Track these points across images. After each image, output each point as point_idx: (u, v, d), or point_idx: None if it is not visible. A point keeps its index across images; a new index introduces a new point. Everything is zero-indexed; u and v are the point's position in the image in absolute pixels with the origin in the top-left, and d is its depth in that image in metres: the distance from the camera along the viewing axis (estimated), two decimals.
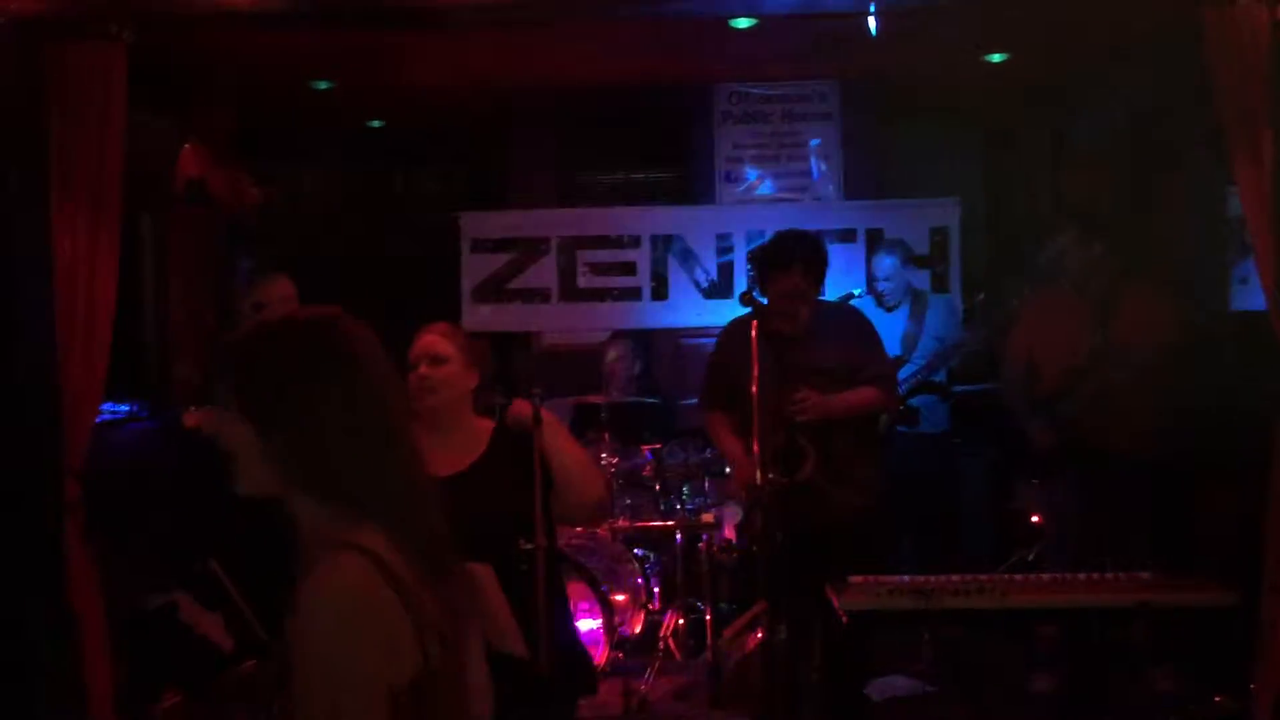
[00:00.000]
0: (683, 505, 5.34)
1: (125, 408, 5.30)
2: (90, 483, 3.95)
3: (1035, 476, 5.12)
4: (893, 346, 5.45)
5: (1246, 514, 3.90)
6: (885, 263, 5.56)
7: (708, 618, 5.12)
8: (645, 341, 6.49)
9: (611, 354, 5.93)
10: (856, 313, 4.40)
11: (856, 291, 5.99)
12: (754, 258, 4.18)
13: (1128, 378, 4.53)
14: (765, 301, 4.02)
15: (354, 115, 7.02)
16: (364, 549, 1.45)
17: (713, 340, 4.55)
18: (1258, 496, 3.72)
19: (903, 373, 5.46)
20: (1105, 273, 4.71)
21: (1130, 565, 3.67)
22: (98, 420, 4.11)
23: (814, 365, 3.99)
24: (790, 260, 3.96)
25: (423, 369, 2.91)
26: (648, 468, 5.40)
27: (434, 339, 2.97)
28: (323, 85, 6.17)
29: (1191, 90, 4.62)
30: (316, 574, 1.43)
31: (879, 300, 5.62)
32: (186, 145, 5.89)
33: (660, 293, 6.58)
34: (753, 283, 6.36)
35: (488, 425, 2.99)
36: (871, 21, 4.56)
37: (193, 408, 4.42)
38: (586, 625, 4.70)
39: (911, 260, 5.72)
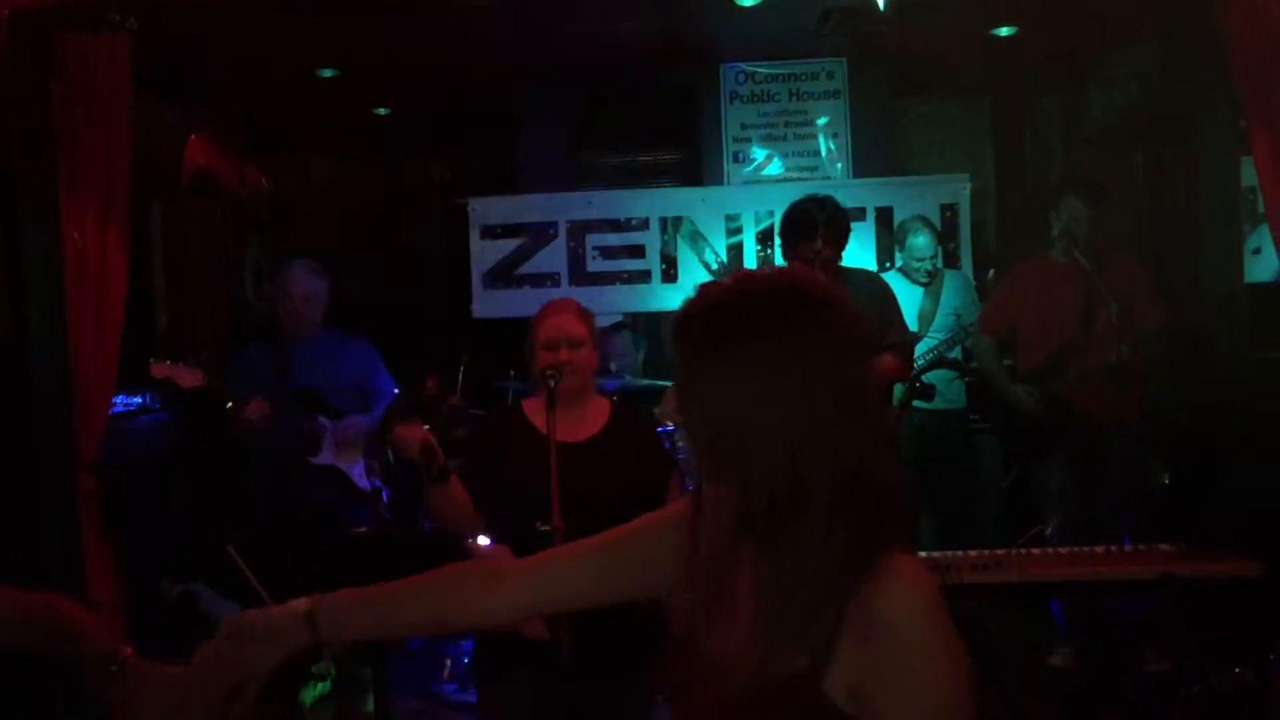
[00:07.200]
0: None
1: (138, 400, 5.30)
2: (105, 474, 3.96)
3: (1032, 456, 5.01)
4: (910, 322, 5.44)
5: (1259, 485, 3.89)
6: (921, 240, 5.56)
7: None
8: (649, 324, 6.52)
9: (620, 347, 5.97)
10: (879, 280, 4.37)
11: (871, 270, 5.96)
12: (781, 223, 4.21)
13: (1132, 352, 4.47)
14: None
15: (360, 103, 7.00)
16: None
17: None
18: (1271, 467, 3.70)
19: (919, 348, 5.44)
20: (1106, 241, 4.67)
21: (1137, 539, 3.65)
22: (111, 412, 4.12)
23: None
24: (813, 226, 3.94)
25: (564, 353, 2.98)
26: None
27: (571, 320, 3.03)
28: (328, 73, 6.16)
29: (1204, 59, 4.58)
30: (893, 579, 1.30)
31: (911, 277, 5.61)
32: (193, 135, 5.88)
33: (670, 275, 6.55)
34: (762, 262, 6.37)
35: (606, 402, 3.13)
36: None
37: (166, 360, 4.34)
38: None
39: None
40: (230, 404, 4.39)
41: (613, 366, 5.93)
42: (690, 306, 1.41)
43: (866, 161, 6.63)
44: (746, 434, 1.32)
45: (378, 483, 4.75)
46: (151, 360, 4.31)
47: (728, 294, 1.38)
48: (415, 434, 2.88)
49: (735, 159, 6.70)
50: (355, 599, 1.60)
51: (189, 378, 4.28)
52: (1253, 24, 3.48)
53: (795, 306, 1.35)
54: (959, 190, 6.48)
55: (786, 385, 1.31)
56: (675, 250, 6.55)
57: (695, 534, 1.47)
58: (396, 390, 4.86)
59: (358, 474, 4.67)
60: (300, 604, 1.57)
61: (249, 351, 4.87)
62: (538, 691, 2.84)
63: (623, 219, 6.58)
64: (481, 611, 1.65)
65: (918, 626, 1.27)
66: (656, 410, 5.20)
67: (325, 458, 4.59)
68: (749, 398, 1.32)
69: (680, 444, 5.42)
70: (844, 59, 6.57)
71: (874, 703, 1.27)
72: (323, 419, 4.58)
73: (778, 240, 4.51)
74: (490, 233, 6.60)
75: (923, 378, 5.41)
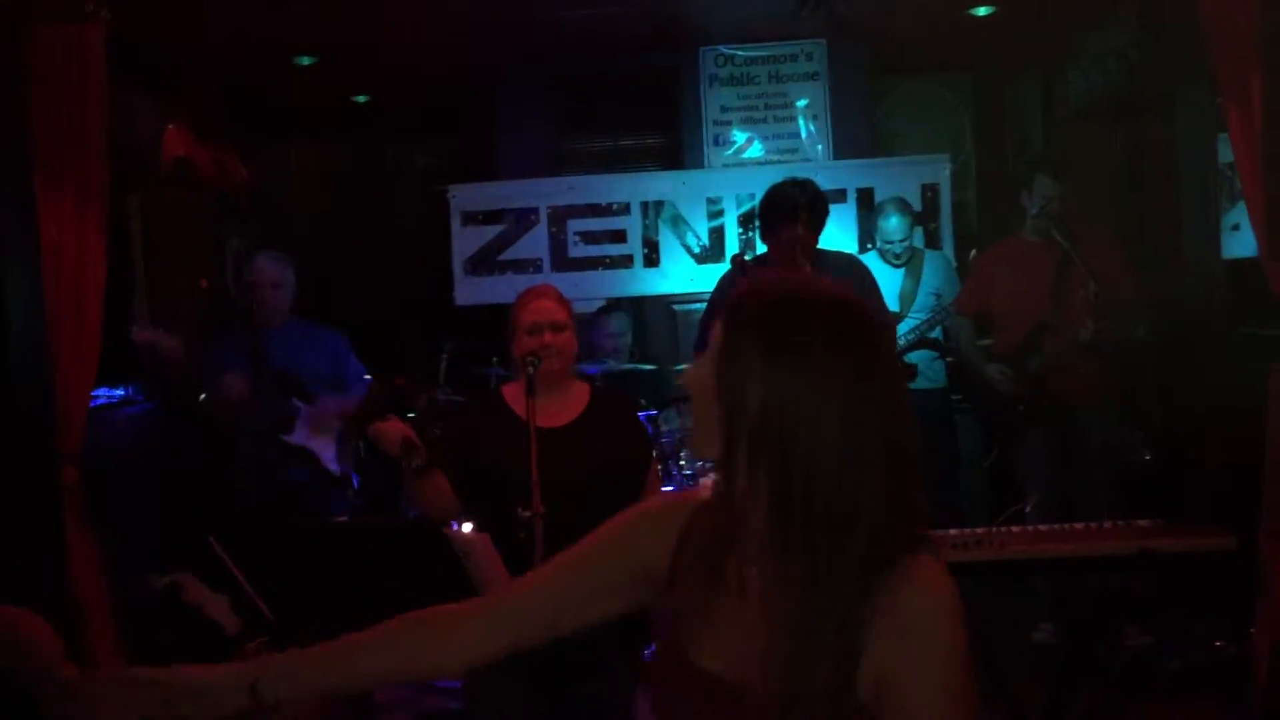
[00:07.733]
0: (680, 471, 5.34)
1: (120, 391, 5.29)
2: (88, 467, 3.95)
3: (1011, 434, 5.03)
4: (890, 303, 5.45)
5: (1237, 462, 3.92)
6: (893, 222, 5.56)
7: None
8: (632, 309, 6.53)
9: (614, 327, 5.98)
10: (857, 261, 4.38)
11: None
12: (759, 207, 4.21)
13: (1109, 327, 4.49)
14: (764, 250, 4.03)
15: (340, 90, 6.97)
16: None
17: (705, 305, 4.54)
18: (1250, 444, 3.73)
19: (900, 329, 5.46)
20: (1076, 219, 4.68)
21: (1116, 516, 3.68)
22: (93, 405, 4.11)
23: None
24: (794, 209, 3.95)
25: (547, 337, 3.00)
26: None
27: (551, 305, 3.07)
28: (306, 61, 6.13)
29: (1181, 37, 4.59)
30: (917, 580, 1.39)
31: (885, 258, 5.62)
32: (171, 125, 5.85)
33: (652, 259, 6.55)
34: (744, 245, 6.37)
35: (585, 387, 3.16)
36: None
37: (147, 328, 4.40)
38: None
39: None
40: (203, 396, 4.43)
41: (607, 346, 5.93)
42: (751, 290, 1.43)
43: (847, 143, 6.63)
44: (794, 429, 1.36)
45: (347, 468, 4.80)
46: (134, 327, 4.35)
47: (792, 290, 1.42)
48: (395, 429, 2.89)
49: (716, 142, 6.70)
50: (301, 661, 1.54)
51: (171, 343, 4.35)
52: (1228, 2, 3.50)
53: (855, 320, 1.40)
54: (939, 170, 6.49)
55: (836, 391, 1.37)
56: (657, 234, 6.55)
57: (709, 532, 1.48)
58: (368, 376, 4.93)
59: (328, 458, 4.73)
60: (242, 672, 1.49)
61: (223, 337, 4.91)
62: (523, 677, 2.85)
63: (604, 204, 6.57)
64: (432, 664, 1.56)
65: (940, 626, 1.37)
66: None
67: (299, 437, 4.64)
68: (799, 396, 1.36)
69: (664, 429, 5.44)
70: (823, 40, 6.57)
71: (894, 690, 1.35)
72: (297, 401, 4.64)
73: (758, 223, 4.51)
74: (471, 219, 6.59)
75: (905, 358, 5.44)
